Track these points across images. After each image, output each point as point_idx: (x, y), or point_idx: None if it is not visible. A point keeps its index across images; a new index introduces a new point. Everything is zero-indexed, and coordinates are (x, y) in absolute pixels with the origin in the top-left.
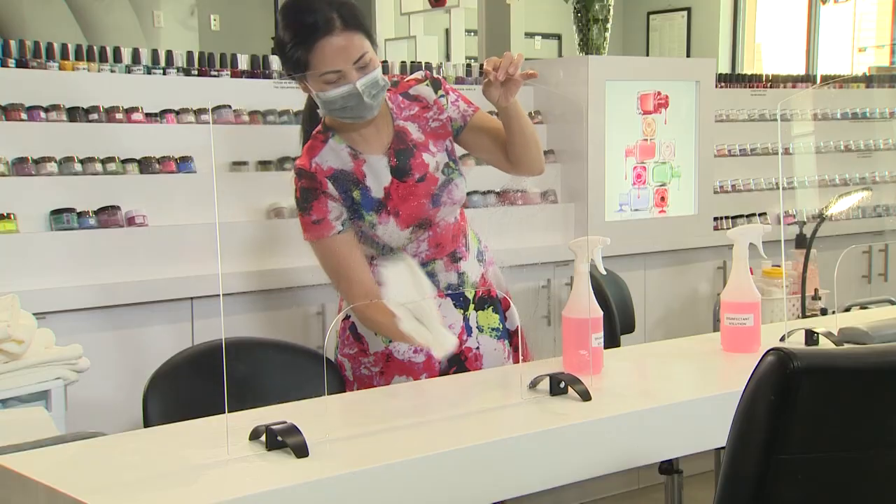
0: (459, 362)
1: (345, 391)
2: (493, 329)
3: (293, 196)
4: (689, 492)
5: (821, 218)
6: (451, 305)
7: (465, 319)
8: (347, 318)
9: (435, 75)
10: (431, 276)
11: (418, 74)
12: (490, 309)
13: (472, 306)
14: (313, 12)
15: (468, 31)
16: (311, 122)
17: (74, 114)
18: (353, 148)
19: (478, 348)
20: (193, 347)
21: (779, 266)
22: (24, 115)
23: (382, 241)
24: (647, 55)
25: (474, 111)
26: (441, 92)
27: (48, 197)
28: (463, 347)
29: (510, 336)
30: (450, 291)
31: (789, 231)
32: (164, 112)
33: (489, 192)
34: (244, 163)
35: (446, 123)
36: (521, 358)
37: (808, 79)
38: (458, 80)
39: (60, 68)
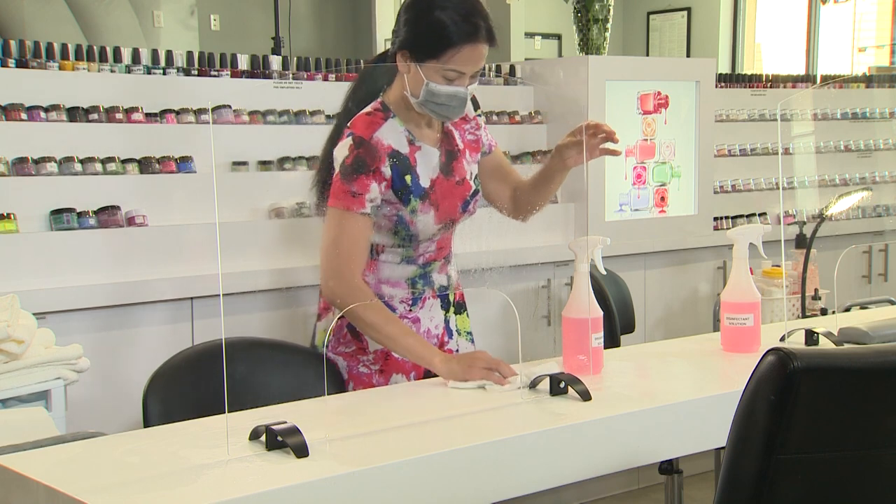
0: None
1: (344, 391)
2: (467, 333)
3: (340, 162)
4: (689, 492)
5: (821, 218)
6: (438, 306)
7: (447, 321)
8: (343, 316)
9: (475, 96)
10: (428, 276)
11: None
12: (464, 314)
13: (452, 309)
14: (480, 17)
15: None
16: (363, 96)
17: (74, 114)
18: (412, 134)
19: (457, 350)
20: (193, 347)
21: (779, 266)
22: (24, 115)
23: (415, 230)
24: (647, 55)
25: (495, 144)
26: (479, 112)
27: (48, 197)
28: (445, 349)
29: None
30: (440, 292)
31: (789, 231)
32: (164, 112)
33: None
34: (244, 163)
35: (480, 140)
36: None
37: (808, 79)
38: None
39: (60, 68)
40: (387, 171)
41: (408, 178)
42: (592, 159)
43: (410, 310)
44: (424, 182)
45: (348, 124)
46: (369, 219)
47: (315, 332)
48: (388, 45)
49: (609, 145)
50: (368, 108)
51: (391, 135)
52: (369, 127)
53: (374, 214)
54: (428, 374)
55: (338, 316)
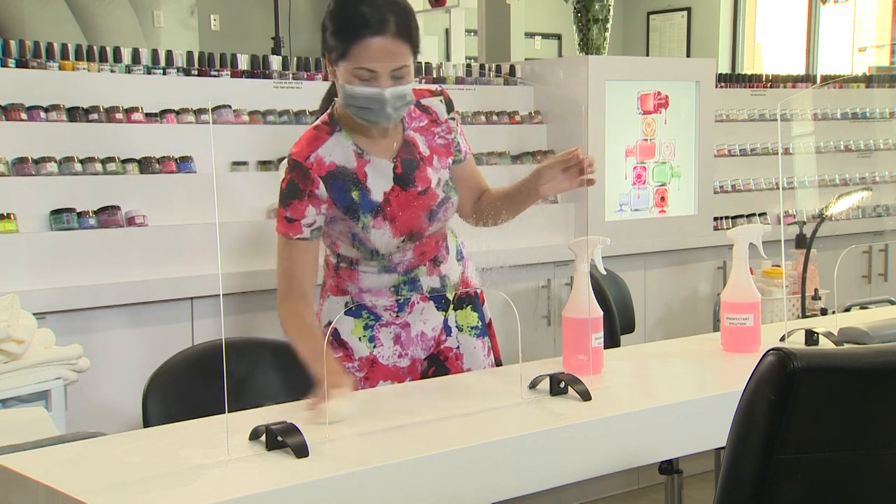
0: (439, 362)
1: None
2: (472, 328)
3: (279, 184)
4: (689, 492)
5: (821, 218)
6: (433, 308)
7: (444, 320)
8: (329, 323)
9: (449, 96)
10: (414, 281)
11: (433, 87)
12: (469, 308)
13: (451, 307)
14: (372, 7)
15: (468, 31)
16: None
17: (74, 114)
18: (360, 147)
19: (458, 348)
20: (193, 347)
21: (779, 266)
22: (24, 115)
23: (372, 246)
24: (647, 55)
25: (469, 151)
26: (452, 115)
27: (48, 197)
28: (442, 347)
29: (488, 331)
30: (432, 294)
31: (789, 231)
32: (164, 112)
33: None
34: (244, 163)
35: (451, 144)
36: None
37: (808, 79)
38: (459, 80)
39: (60, 68)
40: (322, 192)
41: (354, 194)
42: (570, 189)
43: (398, 316)
44: (377, 196)
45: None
46: (310, 242)
47: None
48: None
49: (587, 175)
50: (317, 122)
51: (336, 150)
52: (310, 145)
53: (315, 237)
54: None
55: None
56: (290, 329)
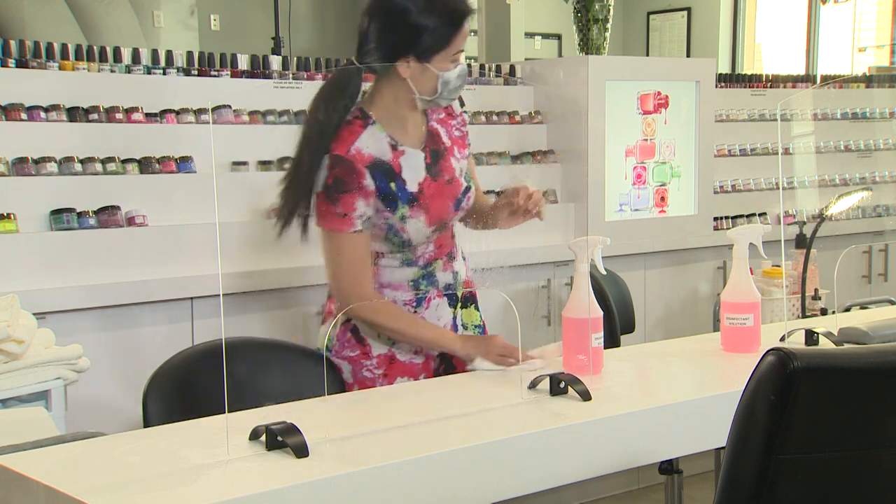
0: (448, 360)
1: (344, 391)
2: (475, 326)
3: (321, 182)
4: (689, 492)
5: (821, 218)
6: (445, 304)
7: (453, 317)
8: (348, 320)
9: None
10: (432, 276)
11: None
12: (472, 306)
13: (458, 304)
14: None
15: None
16: (335, 102)
17: (74, 114)
18: (394, 139)
19: None
20: (193, 347)
21: (779, 266)
22: (24, 115)
23: (407, 236)
24: (647, 55)
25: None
26: (464, 109)
27: (48, 197)
28: None
29: (484, 331)
30: (445, 291)
31: (789, 231)
32: (164, 112)
33: (489, 191)
34: (244, 163)
35: (465, 137)
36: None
37: (808, 79)
38: None
39: (60, 68)
40: (369, 183)
41: (392, 184)
42: (523, 223)
43: (415, 311)
44: (412, 187)
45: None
46: (364, 234)
47: (322, 335)
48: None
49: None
50: (346, 118)
51: (371, 142)
52: (346, 139)
53: (366, 228)
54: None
55: (341, 321)
56: (393, 320)
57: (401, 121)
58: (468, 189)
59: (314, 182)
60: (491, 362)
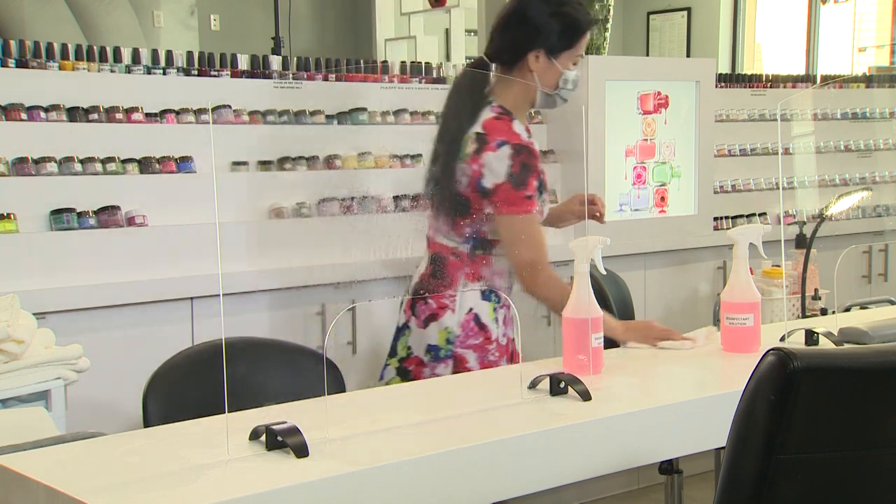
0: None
1: (344, 391)
2: None
3: (504, 172)
4: (689, 492)
5: (821, 218)
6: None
7: None
8: (470, 310)
9: None
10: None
11: None
12: None
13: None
14: (587, 12)
15: (468, 31)
16: (467, 102)
17: (74, 114)
18: (527, 130)
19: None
20: (193, 347)
21: (779, 266)
22: (24, 115)
23: (541, 219)
24: (647, 55)
25: None
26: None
27: (48, 197)
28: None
29: None
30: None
31: (789, 231)
32: (164, 112)
33: None
34: (244, 163)
35: None
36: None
37: (808, 79)
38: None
39: (60, 68)
40: (540, 168)
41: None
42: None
43: (507, 297)
44: (543, 176)
45: (482, 131)
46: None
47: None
48: (388, 47)
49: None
50: (492, 114)
51: (523, 133)
52: (513, 129)
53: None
54: None
55: (465, 311)
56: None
57: (523, 115)
58: None
59: (473, 175)
60: (649, 344)
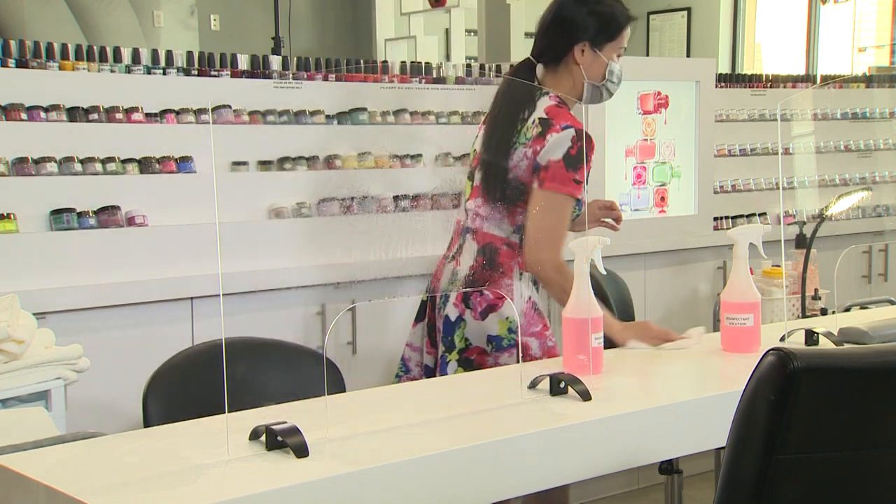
0: None
1: (344, 391)
2: None
3: (563, 152)
4: (689, 492)
5: (821, 218)
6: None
7: None
8: (529, 298)
9: None
10: None
11: None
12: None
13: None
14: (624, 7)
15: (468, 31)
16: (525, 85)
17: (74, 114)
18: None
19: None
20: (193, 347)
21: (779, 266)
22: (24, 115)
23: (581, 210)
24: (647, 55)
25: None
26: None
27: (48, 197)
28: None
29: None
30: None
31: (789, 231)
32: (164, 112)
33: None
34: (244, 163)
35: None
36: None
37: (808, 79)
38: (459, 80)
39: (60, 68)
40: (593, 160)
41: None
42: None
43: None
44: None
45: (545, 116)
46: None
47: (493, 323)
48: (388, 47)
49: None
50: (552, 102)
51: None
52: (573, 117)
53: None
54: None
55: (526, 297)
56: (567, 282)
57: (571, 107)
58: None
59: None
60: (646, 344)
